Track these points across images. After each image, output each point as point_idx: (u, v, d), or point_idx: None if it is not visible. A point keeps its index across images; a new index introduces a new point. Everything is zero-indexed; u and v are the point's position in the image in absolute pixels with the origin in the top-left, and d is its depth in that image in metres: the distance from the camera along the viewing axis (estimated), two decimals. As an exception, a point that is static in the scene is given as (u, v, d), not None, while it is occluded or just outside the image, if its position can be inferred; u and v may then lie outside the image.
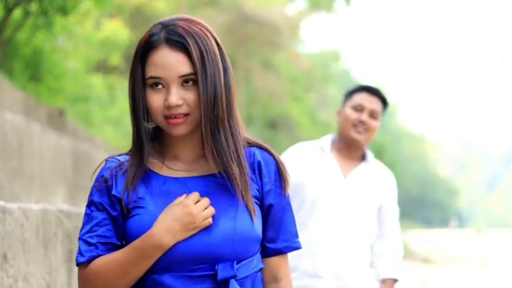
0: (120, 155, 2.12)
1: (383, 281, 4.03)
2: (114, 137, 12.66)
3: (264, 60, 26.93)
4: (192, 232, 1.98)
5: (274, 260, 2.15)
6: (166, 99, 2.01)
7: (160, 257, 1.98)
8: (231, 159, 2.03)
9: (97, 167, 2.17)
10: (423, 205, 71.79)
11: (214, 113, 2.01)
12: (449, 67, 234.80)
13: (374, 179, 4.00)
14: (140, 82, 2.03)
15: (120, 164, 2.08)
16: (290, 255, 3.81)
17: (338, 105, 4.14)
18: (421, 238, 46.82)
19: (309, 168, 3.92)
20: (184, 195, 2.01)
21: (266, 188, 2.11)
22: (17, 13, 7.16)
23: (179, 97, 2.00)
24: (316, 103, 35.53)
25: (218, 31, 2.13)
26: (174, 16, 2.09)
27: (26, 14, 7.14)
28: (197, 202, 2.00)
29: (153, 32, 2.03)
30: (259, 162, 2.11)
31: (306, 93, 32.33)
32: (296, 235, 2.19)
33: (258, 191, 2.10)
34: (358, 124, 3.90)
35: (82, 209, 4.38)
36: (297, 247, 2.18)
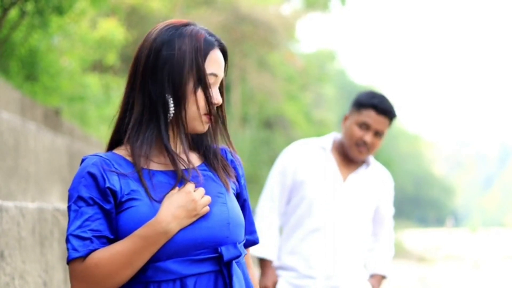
0: (97, 153, 2.14)
1: (372, 276, 4.05)
2: (109, 136, 12.65)
3: (259, 60, 26.94)
4: (193, 219, 2.05)
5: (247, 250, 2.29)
6: (211, 96, 2.13)
7: (164, 244, 2.02)
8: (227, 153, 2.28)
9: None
10: (418, 204, 71.84)
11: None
12: (444, 66, 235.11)
13: (373, 182, 3.98)
14: (203, 77, 2.12)
15: (104, 160, 2.10)
16: (286, 256, 3.87)
17: (334, 105, 4.13)
18: (416, 237, 46.88)
19: (309, 167, 3.92)
20: (180, 186, 2.08)
21: (242, 182, 2.27)
22: (13, 12, 7.17)
23: None
24: (312, 103, 35.57)
25: (213, 30, 2.18)
26: (184, 20, 2.19)
27: (22, 13, 7.15)
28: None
29: (205, 31, 2.16)
30: (232, 160, 2.27)
31: (301, 93, 32.36)
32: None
33: (235, 185, 2.25)
34: (361, 144, 3.83)
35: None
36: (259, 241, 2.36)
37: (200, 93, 2.11)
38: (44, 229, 3.37)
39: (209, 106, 2.11)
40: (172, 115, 2.11)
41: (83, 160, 2.12)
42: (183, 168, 2.13)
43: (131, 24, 16.45)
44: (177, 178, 2.10)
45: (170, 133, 2.15)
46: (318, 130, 27.72)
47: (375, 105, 3.83)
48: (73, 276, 2.03)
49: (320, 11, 28.77)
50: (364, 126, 3.83)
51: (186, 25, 2.16)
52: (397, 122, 66.97)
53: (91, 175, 2.06)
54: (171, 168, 2.13)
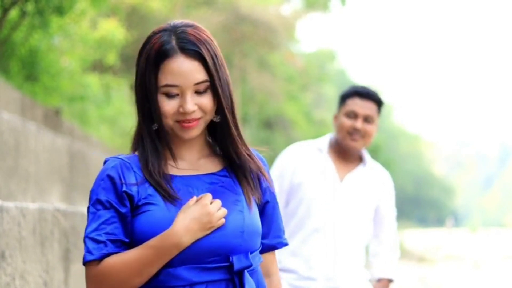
0: (119, 155, 2.14)
1: (379, 280, 4.05)
2: (109, 136, 12.67)
3: (259, 60, 26.94)
4: (208, 232, 2.03)
5: (266, 256, 2.23)
6: (181, 106, 2.07)
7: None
8: (249, 156, 2.16)
9: (102, 168, 2.18)
10: (418, 204, 71.83)
11: (234, 114, 2.12)
12: (444, 66, 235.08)
13: (371, 181, 3.99)
14: (154, 89, 2.07)
15: (125, 163, 2.10)
16: (287, 258, 3.87)
17: (334, 105, 4.15)
18: (416, 237, 46.88)
19: (307, 169, 3.92)
20: (198, 196, 2.06)
21: (264, 185, 2.20)
22: (13, 13, 7.18)
23: (193, 104, 2.07)
24: (312, 103, 35.58)
25: (213, 30, 2.17)
26: (178, 22, 2.13)
27: (23, 14, 7.15)
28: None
29: (164, 40, 2.07)
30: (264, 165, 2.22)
31: (301, 93, 32.35)
32: (284, 232, 2.28)
33: (259, 195, 2.20)
34: (353, 132, 3.86)
35: (78, 208, 4.40)
36: (286, 243, 2.28)
37: (160, 105, 2.07)
38: (44, 229, 3.37)
39: (159, 116, 2.07)
40: (144, 128, 2.11)
41: (105, 162, 2.13)
42: (199, 174, 2.13)
43: (131, 24, 16.43)
44: (194, 184, 2.10)
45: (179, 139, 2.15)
46: (318, 130, 27.70)
47: (358, 91, 3.91)
48: (87, 278, 2.07)
49: (320, 11, 28.76)
50: (352, 114, 3.88)
51: (160, 31, 2.10)
52: (397, 121, 66.96)
53: (110, 178, 2.07)
54: (188, 173, 2.13)
